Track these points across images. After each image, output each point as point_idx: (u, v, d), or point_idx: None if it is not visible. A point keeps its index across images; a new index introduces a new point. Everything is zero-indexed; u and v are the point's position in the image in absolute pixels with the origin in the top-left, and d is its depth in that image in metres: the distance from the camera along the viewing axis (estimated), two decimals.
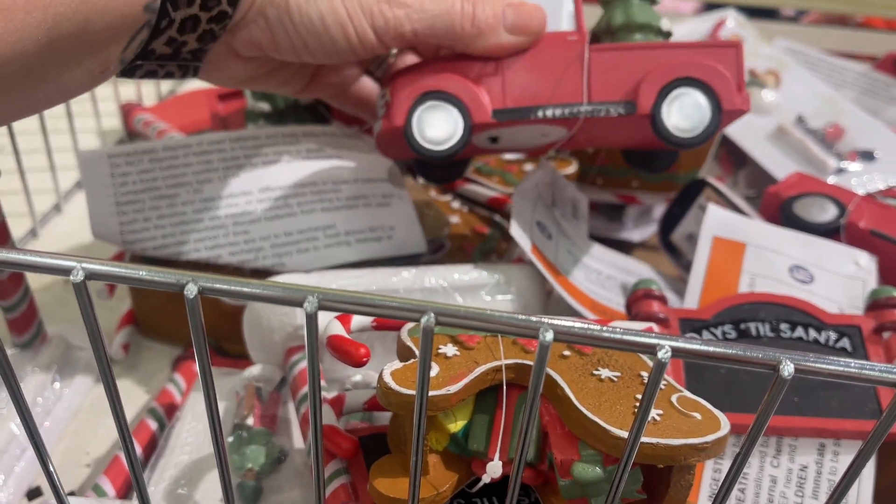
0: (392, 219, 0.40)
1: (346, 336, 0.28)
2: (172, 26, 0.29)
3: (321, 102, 0.46)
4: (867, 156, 0.51)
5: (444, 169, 0.39)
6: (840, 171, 0.50)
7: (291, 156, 0.40)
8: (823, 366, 0.20)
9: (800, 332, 0.34)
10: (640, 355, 0.28)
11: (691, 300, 0.37)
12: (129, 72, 0.31)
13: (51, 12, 0.25)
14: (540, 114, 0.34)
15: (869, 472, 0.31)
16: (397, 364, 0.26)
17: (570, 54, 0.33)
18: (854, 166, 0.50)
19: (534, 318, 0.19)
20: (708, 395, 0.26)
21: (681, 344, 0.19)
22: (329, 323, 0.29)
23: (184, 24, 0.30)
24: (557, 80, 0.34)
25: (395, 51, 0.39)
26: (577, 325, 0.19)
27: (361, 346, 0.27)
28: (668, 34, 0.37)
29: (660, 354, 0.19)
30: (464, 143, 0.34)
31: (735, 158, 0.54)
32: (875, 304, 0.34)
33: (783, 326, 0.34)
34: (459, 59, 0.34)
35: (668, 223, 0.49)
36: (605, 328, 0.19)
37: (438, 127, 0.34)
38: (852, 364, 0.20)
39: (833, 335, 0.34)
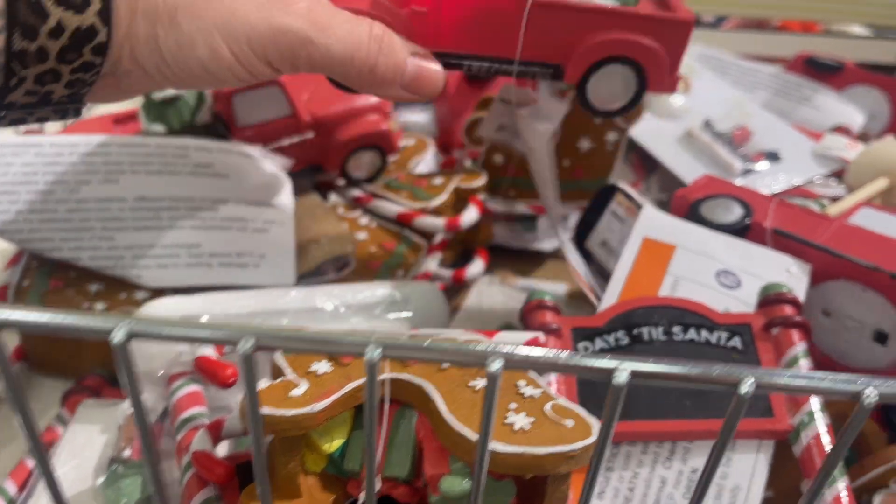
0: (265, 247, 0.40)
1: (213, 357, 0.27)
2: (26, 82, 0.28)
3: (220, 121, 0.45)
4: (772, 156, 0.52)
5: None
6: (747, 172, 0.51)
7: (176, 168, 0.39)
8: (661, 369, 0.19)
9: (692, 333, 0.34)
10: None
11: (610, 300, 0.37)
12: None
13: None
14: (466, 64, 0.33)
15: (761, 472, 0.30)
16: (263, 383, 0.25)
17: (513, 5, 0.32)
18: (760, 166, 0.51)
19: (361, 336, 0.18)
20: (602, 405, 0.26)
21: (512, 355, 0.18)
22: None
23: (41, 78, 0.28)
24: (494, 29, 0.33)
25: None
26: (407, 340, 0.18)
27: (228, 367, 0.26)
28: None
29: (491, 368, 0.18)
30: None
31: (646, 163, 0.54)
32: (765, 301, 0.34)
33: (675, 329, 0.34)
34: None
35: (582, 230, 0.49)
36: (434, 343, 0.18)
37: None
38: (690, 366, 0.19)
39: (724, 335, 0.34)
